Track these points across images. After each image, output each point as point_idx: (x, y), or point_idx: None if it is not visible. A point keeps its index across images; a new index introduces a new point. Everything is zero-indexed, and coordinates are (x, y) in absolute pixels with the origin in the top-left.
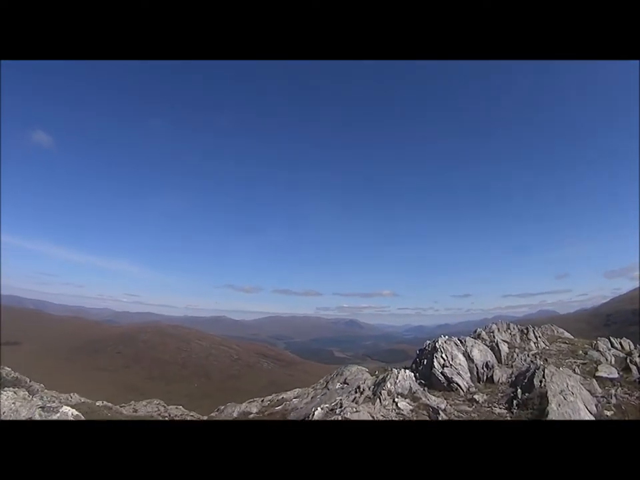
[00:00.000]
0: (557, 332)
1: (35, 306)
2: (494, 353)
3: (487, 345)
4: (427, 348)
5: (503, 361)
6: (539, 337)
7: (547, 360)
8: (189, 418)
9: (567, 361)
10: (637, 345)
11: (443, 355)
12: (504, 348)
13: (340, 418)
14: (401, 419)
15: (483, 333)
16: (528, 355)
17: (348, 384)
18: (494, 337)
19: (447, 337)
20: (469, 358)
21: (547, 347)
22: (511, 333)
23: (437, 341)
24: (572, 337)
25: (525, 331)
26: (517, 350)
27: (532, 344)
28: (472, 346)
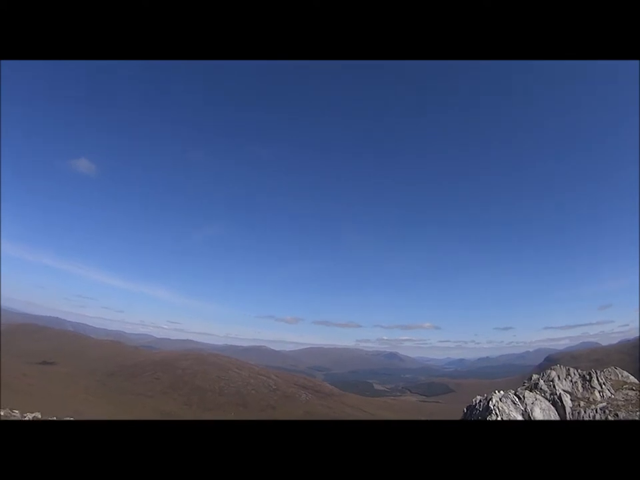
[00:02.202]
0: (622, 376)
1: (75, 328)
2: (557, 409)
3: (547, 398)
4: (477, 406)
5: (568, 418)
6: (603, 383)
7: (617, 415)
8: None
9: (638, 413)
10: None
11: (499, 419)
12: (567, 401)
13: None
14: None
15: (541, 381)
16: (596, 410)
17: None
18: (554, 386)
19: (502, 392)
20: (530, 419)
21: (613, 396)
22: (572, 380)
23: (491, 399)
24: (638, 382)
25: (588, 377)
26: (581, 403)
27: (597, 393)
28: (532, 403)
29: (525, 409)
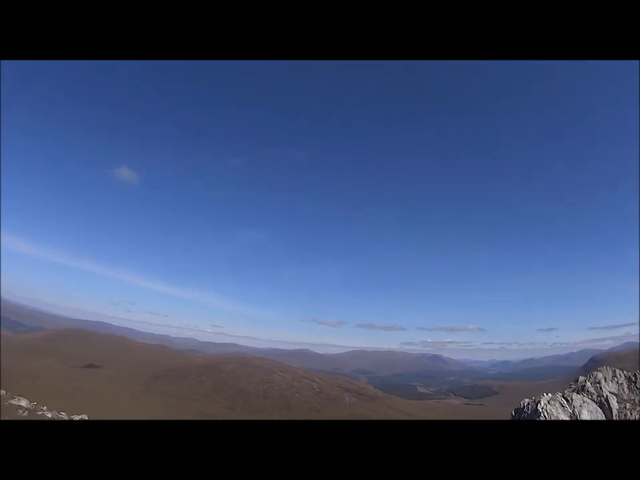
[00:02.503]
0: None
1: (121, 333)
2: (603, 411)
3: (594, 400)
4: (525, 409)
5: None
6: None
7: None
8: None
9: None
10: None
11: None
12: (614, 403)
13: None
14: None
15: (588, 384)
16: None
17: None
18: (601, 388)
19: (549, 395)
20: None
21: None
22: (618, 382)
23: (539, 402)
24: None
25: (633, 379)
26: (627, 405)
27: None
28: (580, 406)
29: (572, 411)
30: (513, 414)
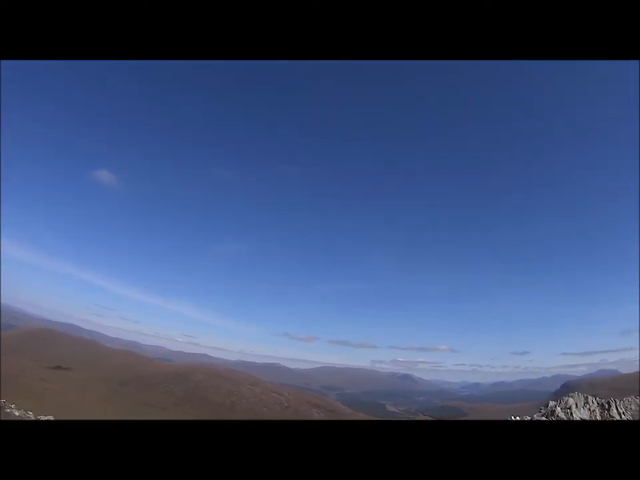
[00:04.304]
0: None
1: (91, 336)
2: None
3: None
4: None
5: None
6: (623, 413)
7: None
8: None
9: None
10: None
11: None
12: None
13: None
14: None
15: (558, 409)
16: None
17: None
18: (571, 414)
19: (517, 418)
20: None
21: None
22: (590, 409)
23: None
24: None
25: (606, 406)
26: None
27: None
28: None
29: None
30: None
